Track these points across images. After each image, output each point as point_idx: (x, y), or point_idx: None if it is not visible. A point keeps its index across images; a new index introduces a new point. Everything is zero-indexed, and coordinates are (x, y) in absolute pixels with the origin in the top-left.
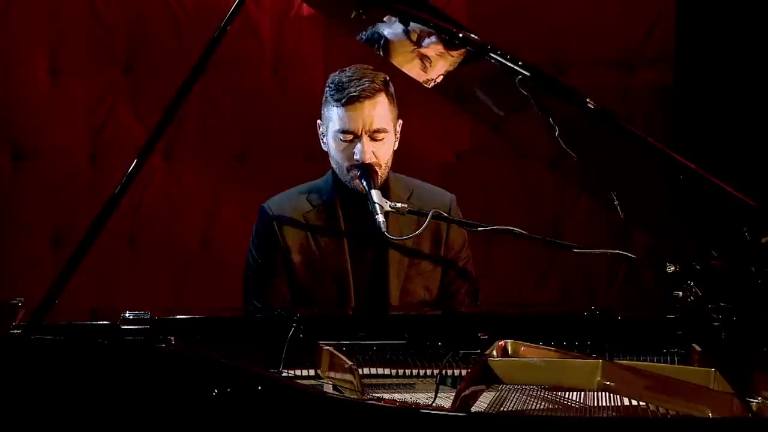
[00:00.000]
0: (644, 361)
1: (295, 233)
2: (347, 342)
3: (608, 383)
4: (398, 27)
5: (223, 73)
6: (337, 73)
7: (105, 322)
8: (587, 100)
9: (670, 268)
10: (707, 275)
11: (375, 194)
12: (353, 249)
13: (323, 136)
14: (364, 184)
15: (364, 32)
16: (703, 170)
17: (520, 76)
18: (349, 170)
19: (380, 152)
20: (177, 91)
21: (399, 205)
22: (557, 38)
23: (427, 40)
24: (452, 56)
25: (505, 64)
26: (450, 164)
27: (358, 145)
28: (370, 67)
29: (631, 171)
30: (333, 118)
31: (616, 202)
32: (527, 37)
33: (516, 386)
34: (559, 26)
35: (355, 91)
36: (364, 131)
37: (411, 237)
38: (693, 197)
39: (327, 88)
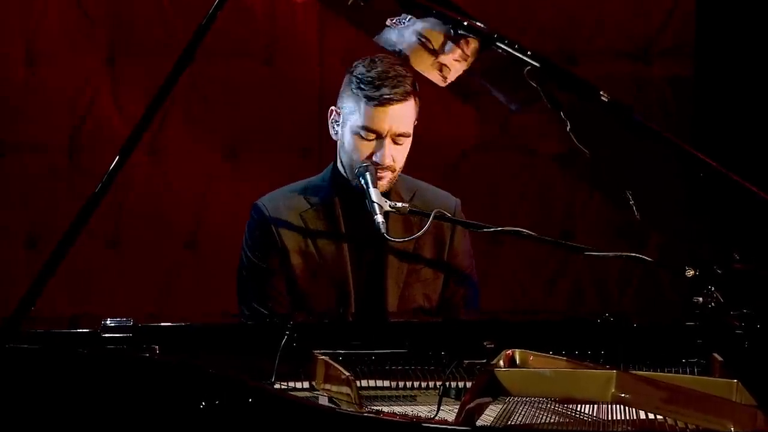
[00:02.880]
0: (661, 371)
1: (293, 234)
2: (344, 351)
3: (623, 395)
4: (411, 36)
5: (212, 63)
6: (365, 63)
7: (85, 330)
8: (600, 92)
9: (689, 272)
10: (729, 280)
11: (374, 193)
12: (354, 252)
13: (336, 123)
14: (363, 182)
15: (379, 38)
16: (725, 167)
17: (528, 67)
18: (365, 161)
19: (398, 156)
20: (162, 82)
21: (399, 204)
22: (568, 27)
23: (446, 48)
24: (469, 57)
25: (512, 54)
26: (454, 161)
27: (381, 149)
28: (400, 64)
29: (647, 168)
30: (357, 113)
31: (631, 202)
32: (536, 26)
33: (524, 399)
34: (570, 14)
35: (389, 94)
36: (389, 133)
37: (412, 239)
38: (713, 196)
39: (354, 79)
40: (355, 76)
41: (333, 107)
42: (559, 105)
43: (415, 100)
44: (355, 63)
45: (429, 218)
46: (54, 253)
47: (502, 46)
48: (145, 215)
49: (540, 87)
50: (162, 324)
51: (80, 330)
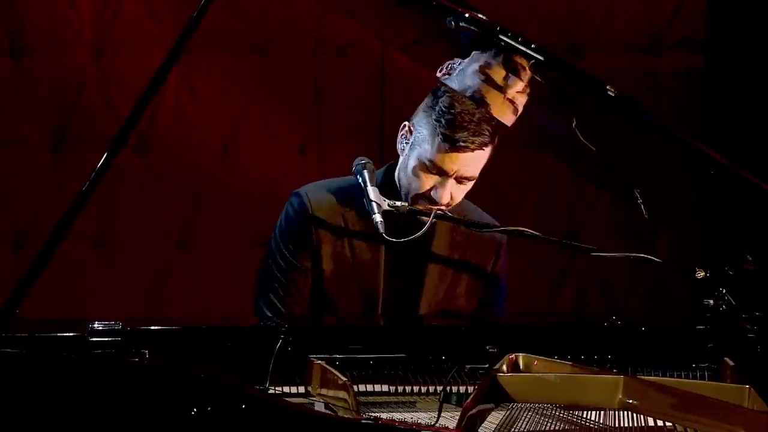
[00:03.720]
0: (671, 376)
1: (331, 233)
2: (341, 356)
3: (631, 401)
4: (474, 78)
5: (204, 56)
6: (451, 95)
7: (71, 334)
8: (607, 87)
9: (700, 274)
10: (741, 281)
11: (372, 192)
12: (390, 262)
13: (405, 140)
14: (360, 180)
15: (447, 77)
16: (736, 164)
17: (532, 61)
18: (414, 200)
19: (458, 195)
20: (152, 76)
21: (399, 203)
22: (574, 18)
23: (509, 81)
24: (527, 87)
25: (516, 47)
26: None
27: (442, 188)
28: (488, 115)
29: (657, 166)
30: (430, 144)
31: (640, 201)
32: (540, 17)
33: (528, 405)
34: (577, 4)
35: (466, 141)
36: (455, 175)
37: (410, 239)
38: (725, 195)
39: (437, 109)
40: (439, 105)
41: (407, 122)
42: (564, 100)
43: (492, 147)
44: (444, 89)
45: (429, 218)
46: (40, 254)
47: (505, 39)
48: (134, 214)
49: (544, 81)
50: (152, 327)
51: (67, 334)
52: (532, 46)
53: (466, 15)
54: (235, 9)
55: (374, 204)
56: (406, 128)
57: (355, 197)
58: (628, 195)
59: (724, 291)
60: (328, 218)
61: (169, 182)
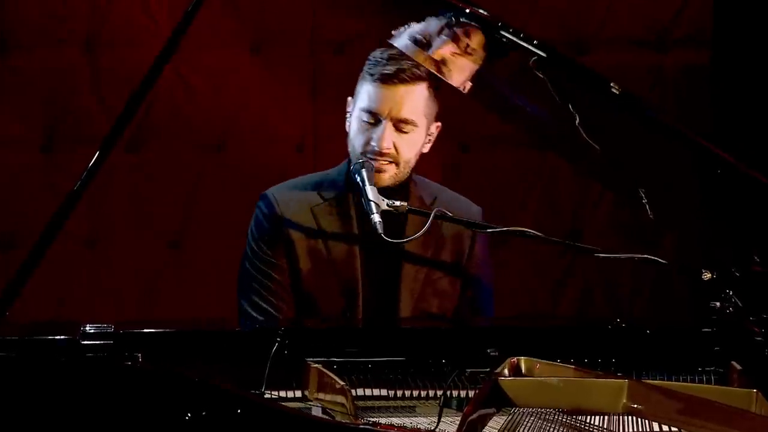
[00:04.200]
0: (676, 380)
1: (301, 228)
2: (339, 359)
3: (635, 406)
4: (405, 38)
5: (199, 52)
6: (382, 48)
7: (62, 337)
8: (611, 84)
9: (706, 275)
10: (748, 283)
11: (370, 191)
12: (366, 253)
13: (349, 115)
14: (358, 178)
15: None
16: (744, 163)
17: (534, 57)
18: (360, 157)
19: (402, 146)
20: (145, 73)
21: (398, 203)
22: (577, 13)
23: (436, 42)
24: (471, 52)
25: (517, 43)
26: (455, 157)
27: (378, 130)
28: None
29: (662, 165)
30: (361, 94)
31: (644, 200)
32: (542, 12)
33: (530, 409)
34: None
35: (391, 70)
36: (390, 116)
37: (409, 240)
38: (732, 193)
39: (366, 62)
40: (368, 58)
41: (350, 97)
42: (567, 98)
43: (429, 90)
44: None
45: (429, 218)
46: (30, 255)
47: (506, 34)
48: (126, 214)
49: (547, 78)
50: (145, 330)
51: (58, 337)
52: (534, 42)
53: (467, 11)
54: (230, 4)
55: (373, 204)
56: (349, 104)
57: (324, 191)
58: (633, 194)
59: (730, 293)
60: (297, 216)
61: (162, 181)
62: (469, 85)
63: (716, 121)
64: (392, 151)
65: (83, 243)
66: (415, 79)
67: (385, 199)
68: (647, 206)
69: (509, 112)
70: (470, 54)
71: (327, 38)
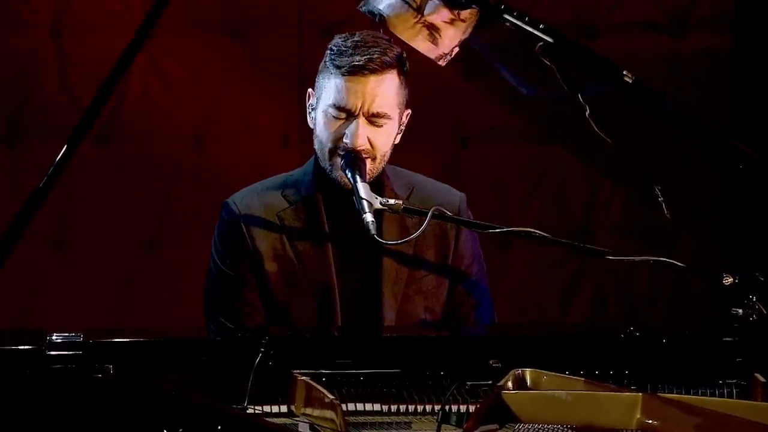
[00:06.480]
0: (695, 394)
1: (268, 236)
2: (328, 371)
3: (650, 422)
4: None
5: (174, 39)
6: (343, 36)
7: (27, 347)
8: (624, 72)
9: (727, 280)
10: None
11: (362, 188)
12: (340, 257)
13: (312, 109)
14: (349, 175)
15: (363, 4)
16: None
17: (541, 43)
18: (332, 155)
19: (377, 140)
20: (117, 60)
21: (393, 201)
22: None
23: (430, 4)
24: (463, 21)
25: (522, 28)
26: (454, 151)
27: (351, 126)
28: (385, 37)
29: (679, 160)
30: (328, 88)
31: (660, 198)
32: None
33: (536, 425)
34: None
35: (360, 60)
36: (362, 111)
37: (407, 241)
38: (755, 192)
39: (328, 52)
40: (329, 48)
41: (310, 89)
42: (576, 87)
43: (400, 77)
44: (335, 36)
45: (426, 217)
46: None
47: (510, 18)
48: (97, 213)
49: (554, 66)
50: (117, 340)
51: (22, 347)
52: (540, 26)
53: None
54: None
55: (365, 202)
56: (310, 97)
57: (290, 194)
58: (648, 192)
59: (754, 299)
60: (263, 224)
61: (135, 177)
62: (449, 58)
63: (738, 111)
64: (367, 146)
65: (50, 245)
66: (386, 67)
67: (378, 198)
68: (663, 205)
69: (513, 103)
70: (463, 21)
71: (314, 21)
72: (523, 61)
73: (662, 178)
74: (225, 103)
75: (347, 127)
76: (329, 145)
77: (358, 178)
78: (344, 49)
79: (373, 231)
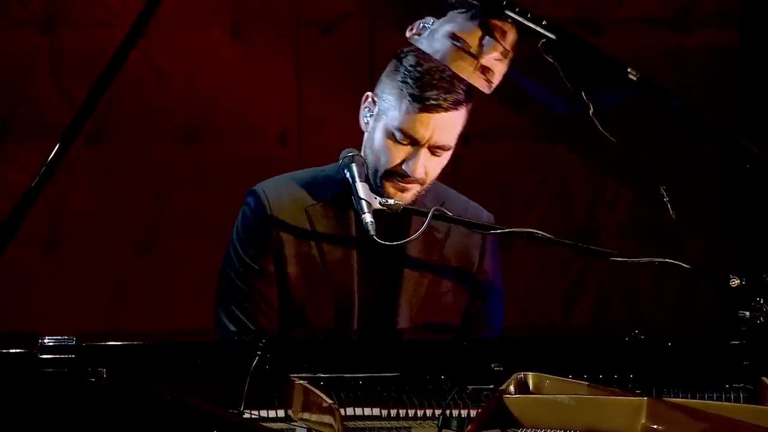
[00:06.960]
0: (701, 398)
1: (294, 232)
2: (326, 374)
3: (655, 427)
4: (445, 41)
5: (171, 35)
6: (418, 54)
7: (18, 350)
8: (628, 69)
9: (734, 282)
10: None
11: (361, 188)
12: (363, 261)
13: (369, 113)
14: (347, 174)
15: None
16: None
17: (543, 40)
18: (385, 177)
19: (433, 169)
20: (111, 57)
21: (392, 201)
22: None
23: (485, 46)
24: (509, 52)
25: (524, 24)
26: (454, 150)
27: (415, 158)
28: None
29: (685, 159)
30: (398, 109)
31: (666, 199)
32: None
33: (539, 430)
34: None
35: (438, 99)
36: (428, 143)
37: (407, 241)
38: (763, 192)
39: (402, 69)
40: (403, 65)
41: (370, 93)
42: (579, 84)
43: (467, 110)
44: (407, 49)
45: (427, 218)
46: None
47: (512, 15)
48: (90, 213)
49: (557, 63)
50: (110, 343)
51: (13, 350)
52: (543, 22)
53: None
54: None
55: (364, 202)
56: (369, 99)
57: (320, 190)
58: (653, 192)
59: (762, 301)
60: (290, 217)
61: (130, 177)
62: (493, 86)
63: (745, 109)
64: (423, 176)
65: (42, 246)
66: (459, 104)
67: (378, 198)
68: (669, 205)
69: (515, 101)
70: (507, 56)
71: (313, 18)
72: (525, 58)
73: (667, 178)
74: (222, 99)
75: (409, 155)
76: (386, 167)
77: (357, 178)
78: (420, 75)
79: (372, 231)
